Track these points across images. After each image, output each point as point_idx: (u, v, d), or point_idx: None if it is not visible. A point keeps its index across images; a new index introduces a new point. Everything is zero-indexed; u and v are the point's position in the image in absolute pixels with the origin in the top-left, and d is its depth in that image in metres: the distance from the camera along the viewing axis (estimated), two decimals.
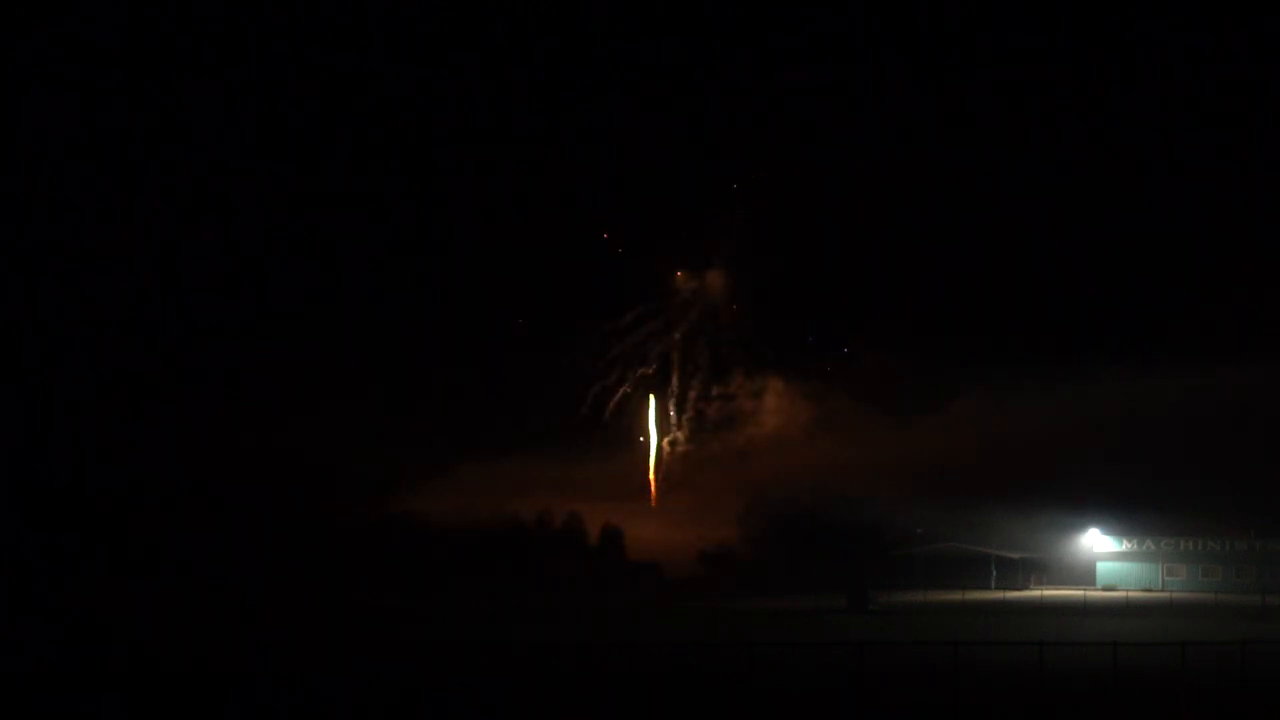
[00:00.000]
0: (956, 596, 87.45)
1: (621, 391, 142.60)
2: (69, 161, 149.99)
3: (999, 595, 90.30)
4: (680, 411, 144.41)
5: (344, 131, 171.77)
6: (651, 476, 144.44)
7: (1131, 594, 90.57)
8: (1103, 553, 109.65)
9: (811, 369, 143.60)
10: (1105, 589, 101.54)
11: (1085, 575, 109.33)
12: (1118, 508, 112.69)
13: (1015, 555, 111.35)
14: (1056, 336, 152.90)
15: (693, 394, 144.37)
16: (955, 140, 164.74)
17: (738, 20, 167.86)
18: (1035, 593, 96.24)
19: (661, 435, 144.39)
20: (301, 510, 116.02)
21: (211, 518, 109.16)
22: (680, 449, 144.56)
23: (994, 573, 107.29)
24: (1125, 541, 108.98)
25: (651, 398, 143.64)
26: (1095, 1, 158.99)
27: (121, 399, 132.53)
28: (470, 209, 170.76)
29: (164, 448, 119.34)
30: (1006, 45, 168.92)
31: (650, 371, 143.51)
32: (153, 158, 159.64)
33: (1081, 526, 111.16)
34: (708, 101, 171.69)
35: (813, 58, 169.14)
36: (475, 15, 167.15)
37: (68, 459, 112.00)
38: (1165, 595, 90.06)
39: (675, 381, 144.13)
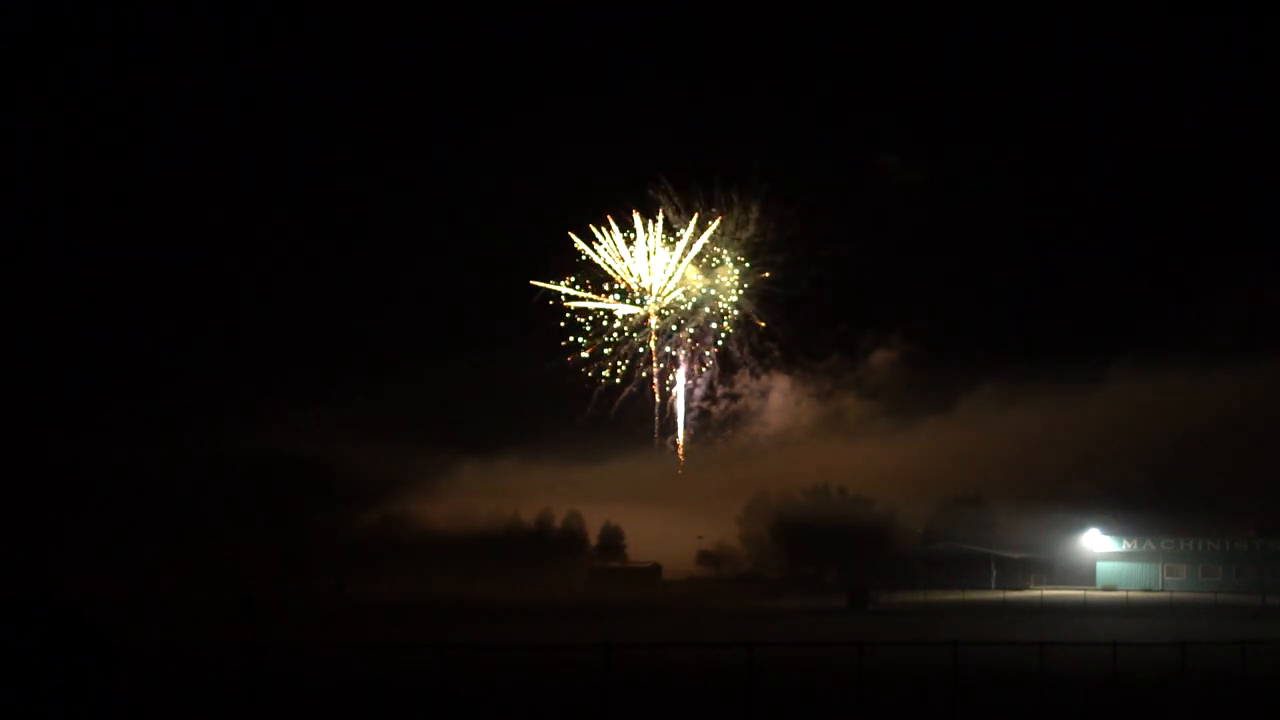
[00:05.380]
0: (956, 596, 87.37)
1: (627, 391, 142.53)
2: (64, 161, 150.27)
3: (999, 595, 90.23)
4: (685, 410, 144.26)
5: (345, 133, 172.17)
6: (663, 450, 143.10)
7: (1131, 594, 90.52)
8: (1103, 553, 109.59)
9: (819, 368, 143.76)
10: (1105, 589, 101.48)
11: (1085, 575, 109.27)
12: (1118, 508, 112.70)
13: (1015, 555, 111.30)
14: (1062, 338, 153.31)
15: (698, 392, 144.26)
16: (960, 139, 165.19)
17: (744, 22, 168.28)
18: (1035, 593, 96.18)
19: (666, 435, 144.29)
20: (301, 510, 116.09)
21: (208, 518, 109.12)
22: (684, 449, 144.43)
23: (994, 573, 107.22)
24: (1125, 541, 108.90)
25: (656, 393, 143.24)
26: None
27: (121, 399, 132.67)
28: (472, 208, 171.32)
29: (163, 447, 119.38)
30: (1007, 45, 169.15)
31: (656, 370, 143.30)
32: (154, 155, 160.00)
33: (1082, 526, 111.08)
34: (711, 99, 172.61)
35: (817, 58, 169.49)
36: (479, 13, 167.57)
37: (66, 460, 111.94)
38: (1165, 595, 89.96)
39: (681, 380, 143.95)
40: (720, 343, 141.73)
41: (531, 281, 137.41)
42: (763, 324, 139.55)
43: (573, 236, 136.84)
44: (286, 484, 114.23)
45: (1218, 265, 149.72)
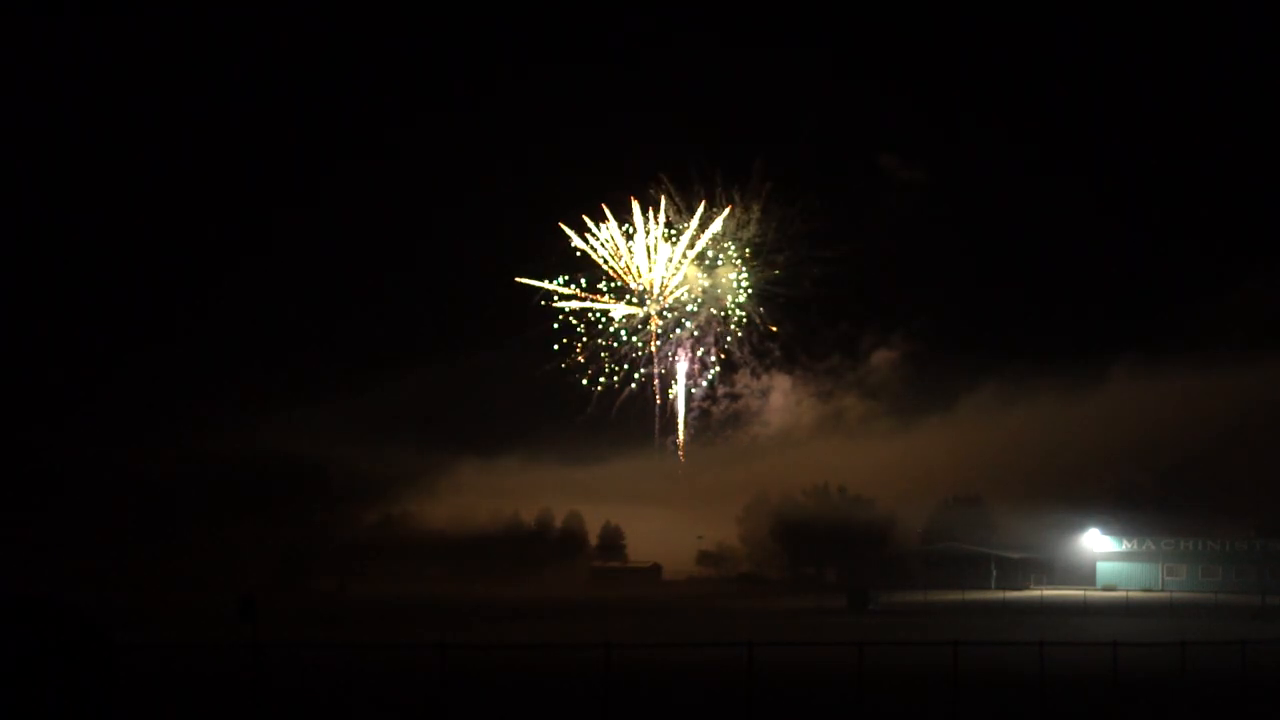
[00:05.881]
0: (956, 596, 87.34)
1: (626, 392, 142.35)
2: (61, 161, 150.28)
3: (999, 595, 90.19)
4: (686, 407, 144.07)
5: (343, 131, 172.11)
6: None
7: (1131, 594, 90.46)
8: (1103, 553, 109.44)
9: (820, 368, 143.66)
10: (1105, 589, 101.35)
11: (1085, 575, 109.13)
12: (1118, 508, 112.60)
13: (1015, 555, 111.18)
14: (1062, 338, 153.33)
15: (699, 392, 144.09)
16: (962, 140, 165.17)
17: (744, 21, 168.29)
18: (1035, 593, 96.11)
19: (666, 435, 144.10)
20: (301, 510, 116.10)
21: (208, 518, 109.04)
22: (684, 445, 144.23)
23: (994, 573, 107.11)
24: (1125, 541, 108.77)
25: (657, 394, 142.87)
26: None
27: (121, 400, 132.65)
28: (475, 207, 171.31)
29: (163, 447, 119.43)
30: (1008, 46, 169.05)
31: (657, 371, 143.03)
32: (154, 156, 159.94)
33: (1082, 526, 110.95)
34: (716, 97, 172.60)
35: (818, 57, 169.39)
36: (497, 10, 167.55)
37: (66, 460, 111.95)
38: (1165, 595, 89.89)
39: (682, 375, 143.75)
40: (727, 342, 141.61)
41: (517, 279, 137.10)
42: (775, 329, 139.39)
43: (570, 232, 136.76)
44: (286, 484, 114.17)
45: (1218, 265, 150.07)
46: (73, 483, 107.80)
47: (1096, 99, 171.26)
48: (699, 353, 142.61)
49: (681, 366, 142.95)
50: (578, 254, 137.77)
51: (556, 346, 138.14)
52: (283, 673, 26.95)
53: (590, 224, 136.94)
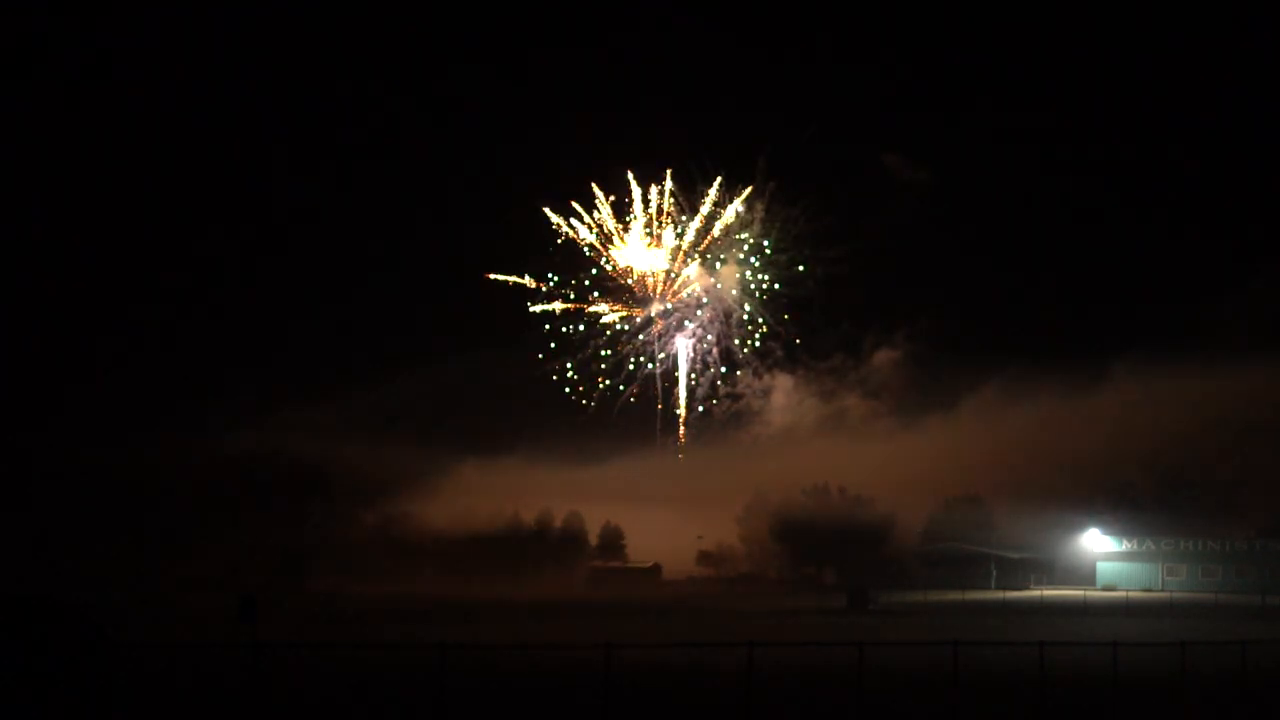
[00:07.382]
0: (956, 596, 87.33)
1: (626, 393, 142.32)
2: (67, 161, 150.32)
3: (999, 595, 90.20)
4: (688, 410, 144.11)
5: (348, 133, 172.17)
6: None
7: (1131, 594, 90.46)
8: (1103, 553, 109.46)
9: (822, 367, 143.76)
10: (1105, 589, 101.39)
11: (1085, 575, 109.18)
12: (1118, 508, 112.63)
13: (1015, 555, 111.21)
14: (1064, 338, 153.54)
15: (700, 392, 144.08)
16: (966, 138, 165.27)
17: (754, 23, 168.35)
18: (1035, 593, 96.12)
19: (666, 434, 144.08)
20: (301, 510, 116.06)
21: (209, 518, 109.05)
22: (684, 449, 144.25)
23: (994, 573, 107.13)
24: (1125, 541, 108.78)
25: (658, 396, 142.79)
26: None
27: (121, 399, 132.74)
28: (476, 207, 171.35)
29: (163, 447, 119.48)
30: (1009, 46, 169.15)
31: (659, 370, 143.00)
32: (156, 154, 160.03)
33: (1082, 526, 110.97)
34: (717, 96, 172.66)
35: (819, 57, 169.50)
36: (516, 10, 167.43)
37: (66, 460, 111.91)
38: (1165, 595, 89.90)
39: (683, 380, 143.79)
40: (747, 346, 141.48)
41: (487, 274, 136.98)
42: (798, 340, 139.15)
43: (564, 226, 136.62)
44: (286, 484, 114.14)
45: (1219, 265, 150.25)
46: (72, 483, 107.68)
47: (1099, 98, 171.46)
48: (700, 353, 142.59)
49: (683, 366, 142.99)
50: (568, 245, 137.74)
51: (541, 355, 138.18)
52: (283, 673, 26.93)
53: (587, 216, 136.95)
